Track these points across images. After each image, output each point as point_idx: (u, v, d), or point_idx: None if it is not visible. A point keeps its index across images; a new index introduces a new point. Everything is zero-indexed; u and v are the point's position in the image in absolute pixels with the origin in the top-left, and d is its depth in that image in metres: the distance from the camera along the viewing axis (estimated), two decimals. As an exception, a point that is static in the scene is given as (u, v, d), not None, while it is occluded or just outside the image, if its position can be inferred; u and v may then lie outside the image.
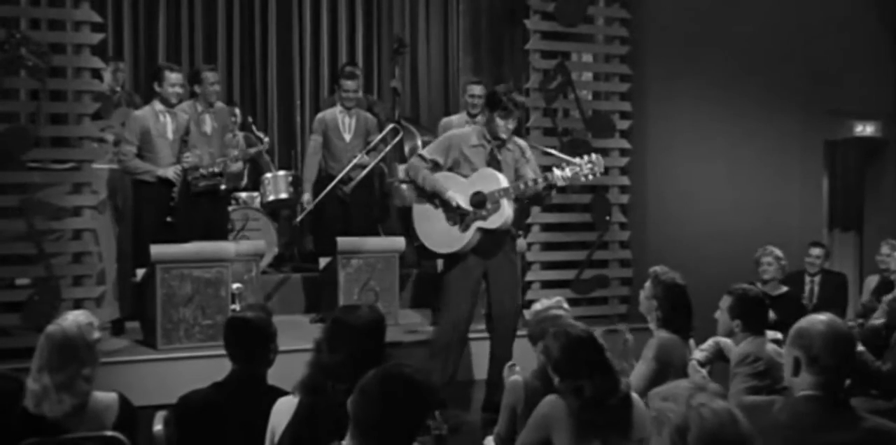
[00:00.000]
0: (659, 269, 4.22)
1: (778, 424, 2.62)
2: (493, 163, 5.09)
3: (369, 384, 2.34)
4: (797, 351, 2.70)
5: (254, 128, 7.80)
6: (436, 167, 5.11)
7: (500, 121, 5.03)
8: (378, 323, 3.09)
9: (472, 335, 5.34)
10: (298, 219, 7.11)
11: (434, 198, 5.10)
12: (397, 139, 7.24)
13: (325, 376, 2.61)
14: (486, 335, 5.33)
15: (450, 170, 5.11)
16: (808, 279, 6.83)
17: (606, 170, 6.74)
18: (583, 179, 5.05)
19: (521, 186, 4.99)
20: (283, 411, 2.90)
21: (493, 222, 5.02)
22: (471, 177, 5.07)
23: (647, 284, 4.19)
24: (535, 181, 4.99)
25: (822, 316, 2.74)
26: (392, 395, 2.31)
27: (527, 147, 5.30)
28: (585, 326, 3.31)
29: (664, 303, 4.09)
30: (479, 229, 5.03)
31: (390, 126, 7.29)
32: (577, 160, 5.02)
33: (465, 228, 5.04)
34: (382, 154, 7.12)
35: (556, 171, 4.97)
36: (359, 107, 7.27)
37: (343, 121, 7.14)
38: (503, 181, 5.00)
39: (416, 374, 2.40)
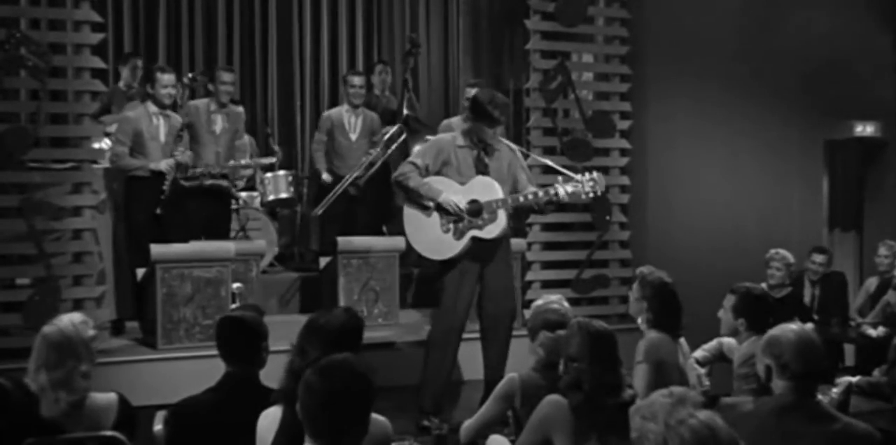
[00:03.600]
0: (645, 270, 4.22)
1: (752, 428, 2.67)
2: (480, 165, 5.03)
3: (310, 376, 2.33)
4: (768, 359, 2.83)
5: (271, 140, 7.83)
6: (426, 172, 5.02)
7: (487, 130, 4.96)
8: (351, 327, 3.05)
9: (471, 335, 5.34)
10: (320, 209, 7.02)
11: (427, 203, 5.00)
12: (402, 138, 7.20)
13: (296, 381, 2.58)
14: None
15: (437, 173, 5.03)
16: (807, 284, 6.80)
17: (606, 170, 6.83)
18: (583, 197, 4.97)
19: (521, 199, 4.94)
20: (268, 424, 2.86)
21: (490, 232, 4.95)
22: (467, 185, 4.99)
23: (635, 286, 4.19)
24: (536, 194, 4.93)
25: (793, 326, 2.88)
26: (331, 384, 2.29)
27: (515, 147, 5.23)
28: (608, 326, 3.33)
29: (653, 303, 4.08)
30: (474, 238, 4.97)
31: (395, 126, 7.27)
32: (578, 176, 4.95)
33: (459, 236, 4.97)
34: (389, 152, 7.09)
35: (560, 188, 4.91)
36: (365, 107, 7.29)
37: (349, 120, 7.16)
38: (500, 191, 4.94)
39: (355, 363, 2.37)
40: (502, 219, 4.96)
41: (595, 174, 4.97)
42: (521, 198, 4.94)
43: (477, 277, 5.06)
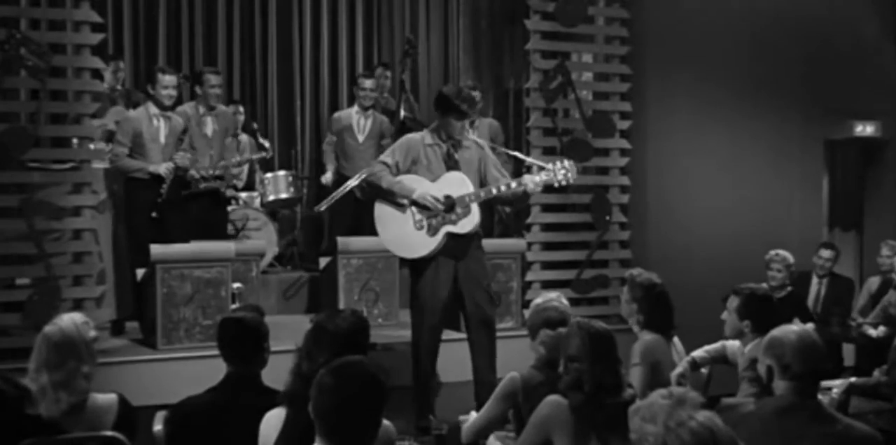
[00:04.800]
0: (635, 272, 4.24)
1: (753, 429, 2.67)
2: (451, 161, 5.02)
3: (323, 377, 2.37)
4: (770, 359, 2.84)
5: (258, 134, 7.83)
6: (396, 169, 5.01)
7: (455, 123, 4.95)
8: (359, 329, 3.06)
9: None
10: (324, 206, 6.97)
11: (401, 200, 4.98)
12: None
13: (305, 384, 2.61)
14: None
15: (407, 172, 5.02)
16: (815, 280, 6.83)
17: (606, 170, 6.83)
18: (556, 185, 4.98)
19: (494, 191, 4.93)
20: (272, 426, 2.87)
21: (464, 227, 4.94)
22: (439, 181, 4.97)
23: (625, 288, 4.20)
24: (509, 185, 4.94)
25: (795, 327, 2.90)
26: (346, 385, 2.33)
27: (485, 144, 5.23)
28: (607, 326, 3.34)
29: (644, 305, 4.09)
30: (448, 234, 4.95)
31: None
32: (549, 165, 4.97)
33: (433, 233, 4.95)
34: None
35: (529, 179, 4.91)
36: (375, 110, 7.28)
37: (358, 122, 7.16)
38: (471, 185, 4.94)
39: (368, 365, 2.42)
40: (475, 213, 4.96)
41: (567, 162, 4.97)
42: (494, 191, 4.94)
43: (452, 275, 5.02)
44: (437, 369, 5.23)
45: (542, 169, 4.99)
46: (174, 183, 6.00)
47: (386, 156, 5.09)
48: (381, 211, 5.07)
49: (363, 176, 5.17)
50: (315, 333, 3.03)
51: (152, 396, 4.44)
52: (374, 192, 5.16)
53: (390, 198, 5.01)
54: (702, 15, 7.13)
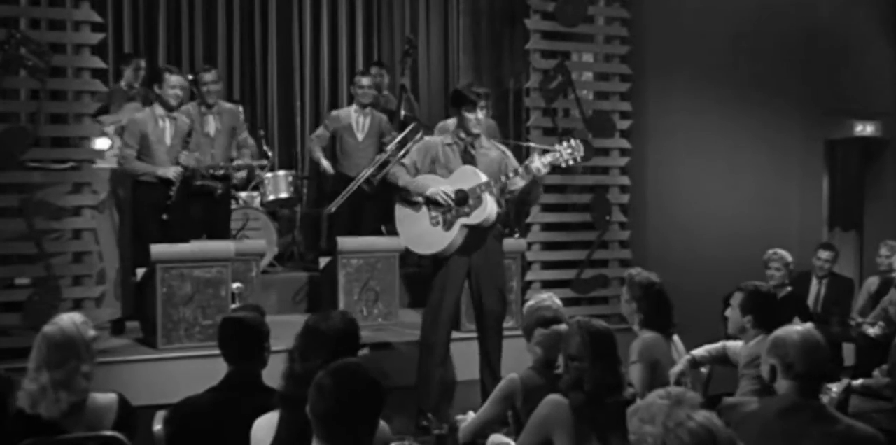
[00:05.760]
0: (633, 271, 4.27)
1: (754, 428, 2.67)
2: (468, 158, 5.08)
3: (323, 379, 2.38)
4: (773, 359, 2.86)
5: (263, 142, 7.84)
6: (414, 169, 5.10)
7: (469, 116, 5.01)
8: (351, 330, 3.06)
9: (468, 335, 5.34)
10: (333, 207, 6.97)
11: (416, 198, 5.07)
12: (419, 136, 7.17)
13: (299, 386, 2.61)
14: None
15: (428, 172, 5.09)
16: (814, 280, 6.84)
17: (606, 170, 6.83)
18: (563, 165, 4.94)
19: (503, 179, 4.98)
20: (262, 431, 2.86)
21: (477, 217, 4.97)
22: (451, 176, 5.04)
23: (624, 288, 4.22)
24: (516, 171, 4.95)
25: (798, 327, 2.91)
26: (345, 388, 2.35)
27: (506, 149, 5.28)
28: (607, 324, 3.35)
29: (644, 304, 4.12)
30: (464, 226, 4.99)
31: (411, 125, 7.28)
32: (555, 146, 4.96)
33: (448, 227, 5.01)
34: (404, 151, 7.09)
35: (537, 160, 4.86)
36: (374, 108, 7.28)
37: (357, 120, 7.17)
38: (483, 176, 4.97)
39: (366, 368, 2.44)
40: (487, 202, 4.96)
41: (573, 142, 4.94)
42: (503, 178, 4.98)
43: (465, 272, 5.08)
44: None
45: (547, 151, 4.96)
46: (182, 184, 6.00)
47: (404, 159, 5.21)
48: (401, 213, 5.18)
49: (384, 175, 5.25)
50: (308, 336, 3.02)
51: (152, 396, 4.44)
52: (389, 190, 5.23)
53: (406, 196, 5.11)
54: (702, 14, 7.13)
